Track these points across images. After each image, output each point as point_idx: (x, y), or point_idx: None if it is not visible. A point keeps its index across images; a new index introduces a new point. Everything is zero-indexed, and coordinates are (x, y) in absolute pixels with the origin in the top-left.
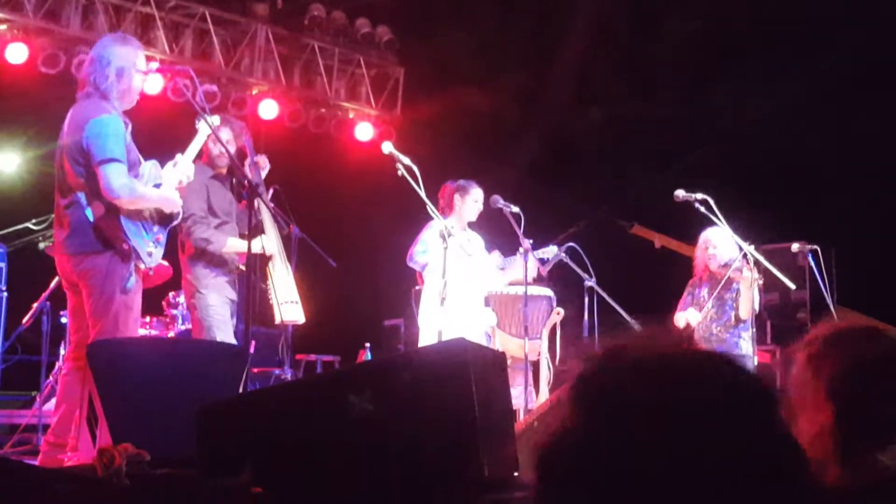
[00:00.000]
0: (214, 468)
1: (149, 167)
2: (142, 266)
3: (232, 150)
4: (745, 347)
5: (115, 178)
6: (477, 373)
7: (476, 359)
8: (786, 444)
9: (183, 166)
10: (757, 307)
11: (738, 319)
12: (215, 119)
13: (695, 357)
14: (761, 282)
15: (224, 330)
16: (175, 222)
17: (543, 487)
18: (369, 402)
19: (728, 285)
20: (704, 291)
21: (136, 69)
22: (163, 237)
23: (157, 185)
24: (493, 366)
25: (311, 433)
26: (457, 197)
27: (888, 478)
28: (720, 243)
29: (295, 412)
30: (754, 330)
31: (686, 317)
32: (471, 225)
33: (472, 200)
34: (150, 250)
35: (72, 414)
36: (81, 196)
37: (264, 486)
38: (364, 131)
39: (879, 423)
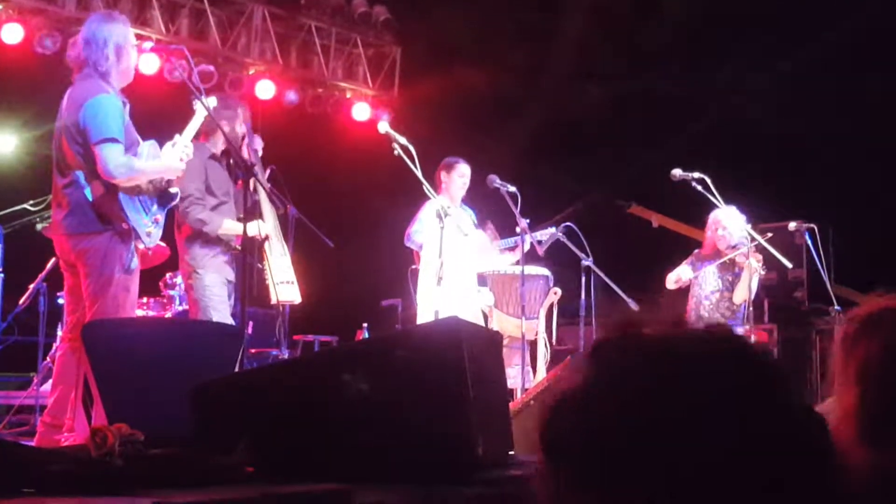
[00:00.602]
0: (209, 447)
1: (147, 147)
2: (140, 246)
3: (234, 129)
4: (738, 331)
5: (112, 157)
6: (470, 351)
7: (470, 337)
8: (797, 419)
9: (182, 145)
10: (752, 291)
11: (730, 300)
12: (212, 100)
13: (710, 335)
14: (763, 272)
15: (221, 310)
16: (174, 203)
17: (547, 449)
18: (363, 381)
19: (731, 267)
20: (710, 268)
21: (132, 45)
22: (161, 218)
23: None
24: (487, 345)
25: (305, 412)
26: (443, 174)
27: None
28: (730, 224)
29: (289, 391)
30: (751, 309)
31: (678, 272)
32: (464, 202)
33: (457, 176)
34: (150, 230)
35: (68, 395)
36: (80, 175)
37: (258, 465)
38: (361, 111)
39: None
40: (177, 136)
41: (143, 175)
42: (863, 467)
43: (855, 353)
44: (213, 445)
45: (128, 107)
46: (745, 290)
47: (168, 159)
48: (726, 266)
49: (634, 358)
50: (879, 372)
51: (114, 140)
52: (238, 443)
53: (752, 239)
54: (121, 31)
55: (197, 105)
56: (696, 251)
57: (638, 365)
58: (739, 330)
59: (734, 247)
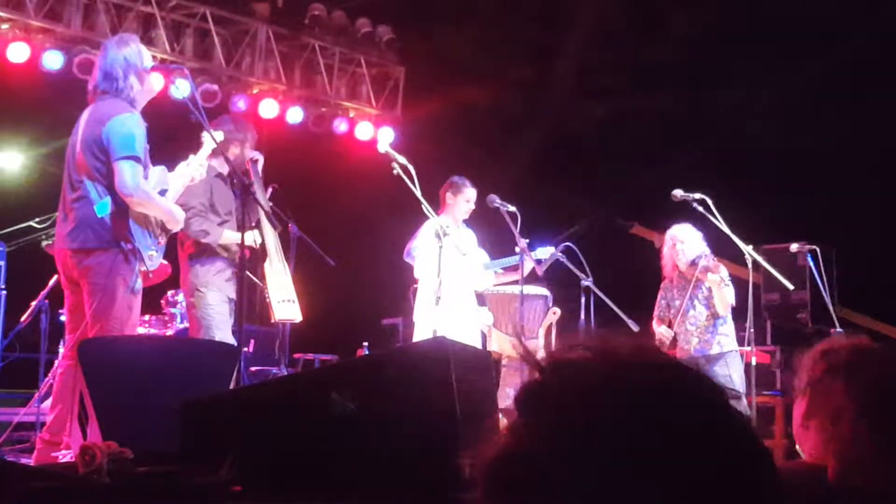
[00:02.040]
0: (196, 463)
1: (157, 172)
2: (143, 268)
3: (243, 153)
4: (727, 344)
5: (131, 175)
6: (459, 371)
7: (458, 357)
8: (751, 460)
9: (197, 164)
10: (732, 301)
11: (714, 316)
12: (219, 135)
13: (642, 362)
14: (728, 283)
15: (223, 329)
16: (176, 229)
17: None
18: (351, 400)
19: (698, 284)
20: (675, 292)
21: (149, 64)
22: (163, 241)
23: (163, 192)
24: (477, 365)
25: (293, 430)
26: (449, 195)
27: None
28: (686, 238)
29: (278, 408)
30: (752, 330)
31: (660, 334)
32: (466, 222)
33: (463, 200)
34: (152, 253)
35: (68, 413)
36: (92, 190)
37: (245, 482)
38: (364, 130)
39: None
40: (191, 157)
41: (152, 206)
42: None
43: (856, 382)
44: (201, 462)
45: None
46: (722, 300)
47: (176, 208)
48: (695, 285)
49: (558, 412)
50: (885, 399)
51: (136, 159)
52: (225, 460)
53: (710, 251)
54: (135, 54)
55: (205, 137)
56: (663, 282)
57: (563, 419)
58: (726, 342)
59: (693, 262)
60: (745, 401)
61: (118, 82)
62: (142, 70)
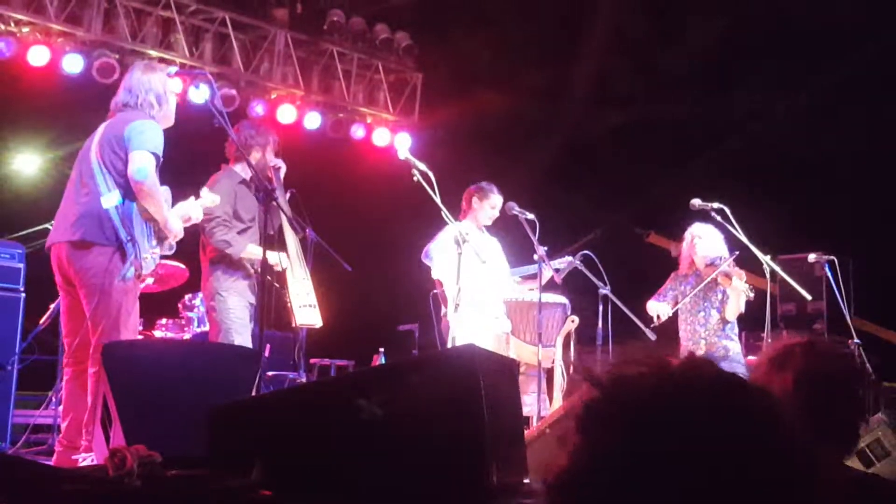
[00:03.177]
0: (225, 469)
1: (163, 190)
2: (141, 263)
3: (264, 157)
4: (734, 348)
5: (147, 164)
6: (486, 379)
7: (485, 365)
8: (797, 456)
9: (200, 205)
10: (742, 308)
11: (724, 321)
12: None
13: (699, 378)
14: (751, 294)
15: (243, 333)
16: (167, 252)
17: None
18: (378, 406)
19: (713, 286)
20: (688, 289)
21: (172, 92)
22: (158, 254)
23: None
24: (503, 372)
25: (321, 436)
26: (475, 199)
27: (854, 479)
28: (705, 235)
29: (305, 415)
30: (769, 340)
31: (657, 309)
32: (487, 229)
33: (489, 205)
34: (147, 256)
35: (81, 419)
36: (102, 182)
37: (273, 488)
38: (381, 136)
39: (840, 429)
40: (203, 190)
41: (156, 200)
42: None
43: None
44: (230, 467)
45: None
46: (736, 308)
47: (176, 219)
48: (710, 286)
49: (626, 423)
50: (799, 398)
51: (155, 154)
52: (254, 465)
53: (734, 257)
54: (160, 80)
55: (203, 191)
56: (674, 273)
57: (630, 431)
58: (733, 347)
59: (712, 263)
60: None
61: (139, 98)
62: (162, 95)
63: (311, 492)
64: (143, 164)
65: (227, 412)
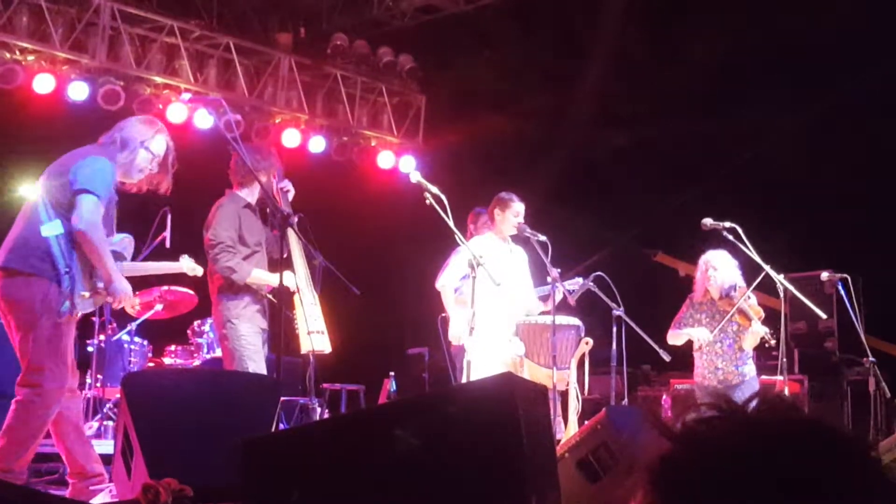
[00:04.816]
0: (260, 502)
1: (121, 238)
2: (75, 300)
3: (269, 180)
4: (749, 372)
5: (90, 209)
6: (523, 406)
7: (521, 392)
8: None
9: (178, 267)
10: (758, 342)
11: (740, 349)
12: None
13: (782, 423)
14: (773, 341)
15: (257, 360)
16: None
17: None
18: (415, 437)
19: (730, 318)
20: (705, 318)
21: (145, 146)
22: (95, 300)
23: (115, 256)
24: (537, 399)
25: (357, 467)
26: (497, 211)
27: None
28: (720, 266)
29: (341, 446)
30: (784, 359)
31: (696, 335)
32: (514, 238)
33: (512, 214)
34: (85, 294)
35: (74, 447)
36: (43, 211)
37: None
38: (386, 159)
39: None
40: (183, 258)
41: (97, 253)
42: None
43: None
44: (264, 500)
45: (115, 200)
46: (753, 343)
47: (119, 276)
48: (723, 316)
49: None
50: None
51: (97, 195)
52: (290, 498)
53: (744, 285)
54: (141, 132)
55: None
56: (689, 299)
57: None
58: (747, 369)
59: (727, 294)
60: None
61: (112, 135)
62: (135, 145)
63: None
64: (85, 209)
65: (260, 444)
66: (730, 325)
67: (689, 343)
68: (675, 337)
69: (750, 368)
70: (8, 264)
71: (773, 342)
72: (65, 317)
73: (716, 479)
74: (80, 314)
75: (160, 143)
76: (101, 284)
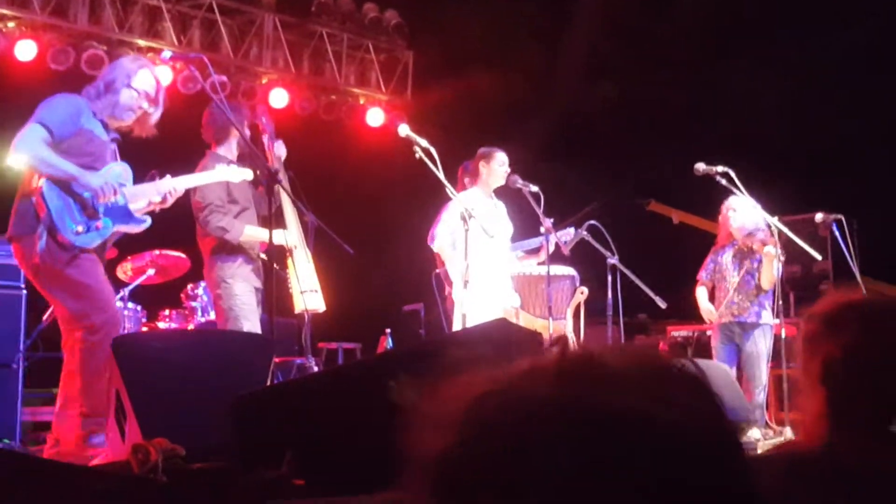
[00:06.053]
0: (253, 460)
1: (115, 167)
2: (67, 238)
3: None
4: (765, 316)
5: (27, 135)
6: (518, 353)
7: (516, 338)
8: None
9: (171, 186)
10: (776, 276)
11: (759, 289)
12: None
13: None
14: (783, 258)
15: (251, 319)
16: (137, 229)
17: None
18: (409, 387)
19: (751, 255)
20: (725, 257)
21: (129, 85)
22: (104, 227)
23: (121, 185)
24: (531, 346)
25: (353, 421)
26: (482, 164)
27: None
28: (740, 207)
29: (335, 400)
30: (780, 302)
31: (706, 312)
32: (496, 193)
33: (497, 165)
34: (78, 230)
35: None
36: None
37: (306, 478)
38: (375, 116)
39: (875, 409)
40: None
41: (45, 166)
42: (838, 464)
43: (818, 353)
44: (258, 458)
45: (113, 143)
46: (771, 275)
47: (81, 170)
48: (745, 254)
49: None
50: (842, 373)
51: (43, 125)
52: (284, 455)
53: (768, 226)
54: (125, 69)
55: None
56: (713, 248)
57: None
58: (765, 315)
59: (750, 234)
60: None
61: (101, 87)
62: (116, 84)
63: (345, 480)
64: (21, 135)
65: (252, 401)
66: (752, 262)
67: (693, 288)
68: (698, 298)
69: (767, 313)
70: (12, 232)
71: (782, 258)
72: (59, 254)
73: (497, 482)
74: (95, 248)
75: (144, 78)
76: (100, 222)
